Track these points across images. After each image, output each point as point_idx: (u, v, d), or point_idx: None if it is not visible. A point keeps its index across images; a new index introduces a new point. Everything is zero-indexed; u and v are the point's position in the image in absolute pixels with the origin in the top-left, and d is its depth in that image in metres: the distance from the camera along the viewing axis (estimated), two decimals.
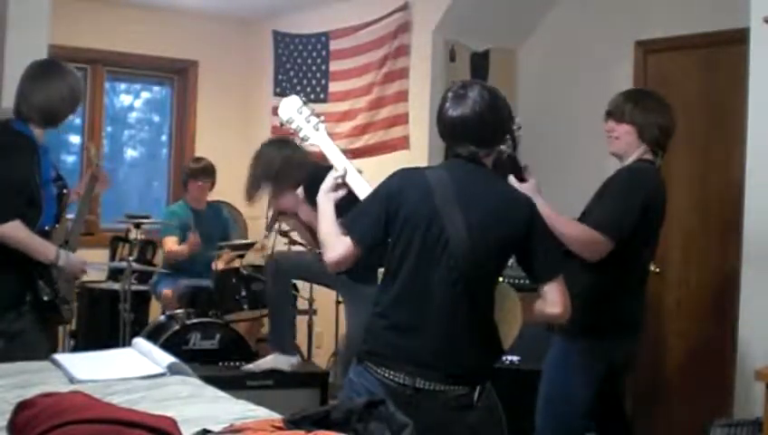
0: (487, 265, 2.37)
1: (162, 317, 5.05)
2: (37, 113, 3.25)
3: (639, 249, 3.12)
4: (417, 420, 1.98)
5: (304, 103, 2.72)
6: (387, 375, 2.35)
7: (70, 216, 3.50)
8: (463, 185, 2.37)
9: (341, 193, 2.57)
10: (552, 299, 2.40)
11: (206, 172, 5.56)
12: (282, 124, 2.75)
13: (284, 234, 5.13)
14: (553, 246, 2.46)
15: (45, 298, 3.21)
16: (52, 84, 3.26)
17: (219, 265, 5.34)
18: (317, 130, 2.69)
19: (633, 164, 3.13)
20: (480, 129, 2.39)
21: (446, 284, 2.34)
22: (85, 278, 5.19)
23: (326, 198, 2.55)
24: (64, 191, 3.41)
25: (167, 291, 5.25)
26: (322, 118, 2.72)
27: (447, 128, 2.44)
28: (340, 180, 2.57)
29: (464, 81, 2.55)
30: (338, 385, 4.09)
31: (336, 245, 2.43)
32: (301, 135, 2.71)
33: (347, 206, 2.55)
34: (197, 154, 6.31)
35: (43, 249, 3.19)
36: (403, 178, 2.46)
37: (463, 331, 2.36)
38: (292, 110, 2.70)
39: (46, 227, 3.25)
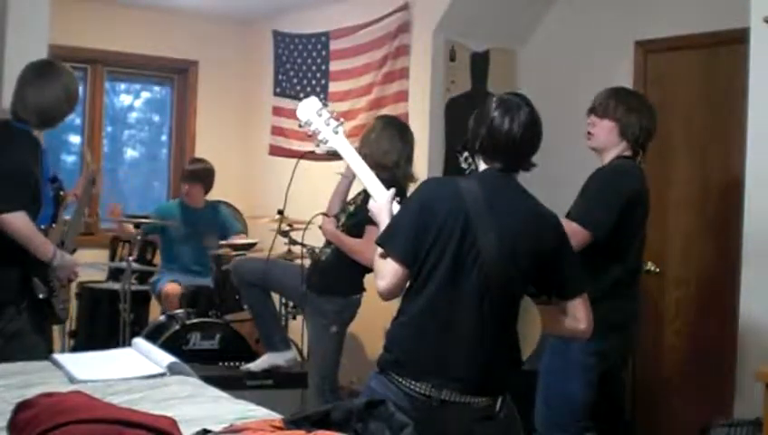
0: (516, 277, 2.34)
1: (162, 317, 5.05)
2: (33, 115, 3.25)
3: (628, 247, 3.14)
4: (440, 431, 1.96)
5: (324, 105, 2.64)
6: (412, 386, 2.31)
7: (66, 217, 3.50)
8: (494, 197, 2.35)
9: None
10: (578, 315, 2.43)
11: (194, 176, 5.52)
12: (300, 126, 2.66)
13: (284, 234, 5.12)
14: (578, 262, 2.46)
15: (41, 295, 3.21)
16: (47, 86, 3.26)
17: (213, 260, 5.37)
18: (336, 133, 2.61)
19: (613, 161, 3.17)
20: (527, 145, 2.39)
21: (475, 295, 2.30)
22: (85, 278, 5.20)
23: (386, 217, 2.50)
24: (61, 193, 3.41)
25: (167, 287, 5.22)
26: (342, 121, 2.64)
27: (497, 142, 2.38)
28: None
29: (510, 95, 2.47)
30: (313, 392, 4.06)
31: (383, 271, 2.38)
32: (320, 137, 2.62)
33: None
34: (197, 154, 6.32)
35: (44, 246, 3.19)
36: (435, 188, 2.43)
37: (489, 342, 2.33)
38: (312, 111, 2.62)
39: (42, 226, 3.25)
